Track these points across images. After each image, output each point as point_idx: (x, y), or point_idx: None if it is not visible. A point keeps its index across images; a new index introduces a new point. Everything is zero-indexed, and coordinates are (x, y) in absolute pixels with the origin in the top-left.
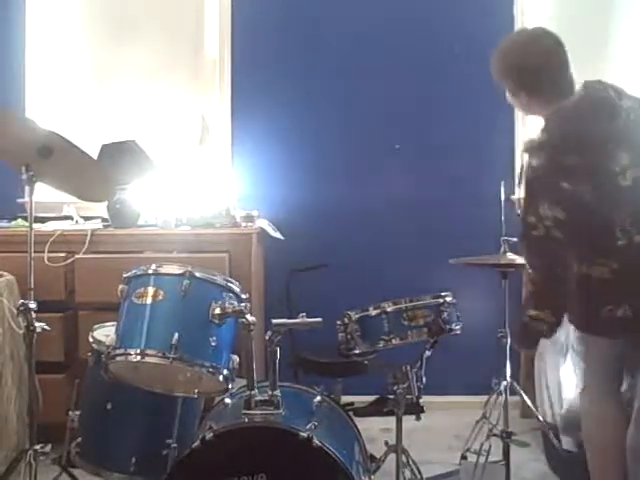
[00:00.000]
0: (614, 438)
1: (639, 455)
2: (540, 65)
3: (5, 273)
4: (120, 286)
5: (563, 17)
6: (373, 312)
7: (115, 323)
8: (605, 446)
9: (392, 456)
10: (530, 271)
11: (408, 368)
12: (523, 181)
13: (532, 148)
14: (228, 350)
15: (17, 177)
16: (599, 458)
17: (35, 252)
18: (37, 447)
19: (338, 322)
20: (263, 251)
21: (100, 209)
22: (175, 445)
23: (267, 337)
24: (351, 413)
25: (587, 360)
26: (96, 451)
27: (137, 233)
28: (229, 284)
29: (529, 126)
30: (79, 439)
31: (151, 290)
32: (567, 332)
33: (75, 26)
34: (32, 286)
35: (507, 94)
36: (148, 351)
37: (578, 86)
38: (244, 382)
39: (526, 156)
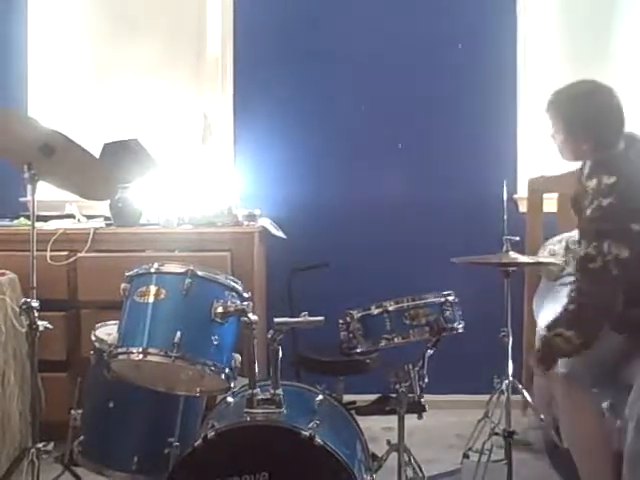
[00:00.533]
0: (596, 428)
1: (638, 461)
2: (602, 119)
3: (7, 272)
4: (122, 285)
5: (565, 16)
6: (375, 311)
7: (117, 322)
8: (589, 435)
9: (394, 455)
10: (577, 295)
11: (410, 367)
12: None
13: (601, 190)
14: (230, 349)
15: (19, 176)
16: (584, 446)
17: (37, 251)
18: (39, 445)
19: (340, 321)
20: (265, 250)
21: (102, 208)
22: (177, 444)
23: (269, 336)
24: (353, 412)
25: None
26: (98, 449)
27: (139, 232)
28: (231, 283)
29: (530, 127)
30: (81, 437)
31: (153, 289)
32: None
33: (77, 24)
34: (34, 285)
35: (553, 135)
36: (150, 350)
37: None
38: (246, 381)
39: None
